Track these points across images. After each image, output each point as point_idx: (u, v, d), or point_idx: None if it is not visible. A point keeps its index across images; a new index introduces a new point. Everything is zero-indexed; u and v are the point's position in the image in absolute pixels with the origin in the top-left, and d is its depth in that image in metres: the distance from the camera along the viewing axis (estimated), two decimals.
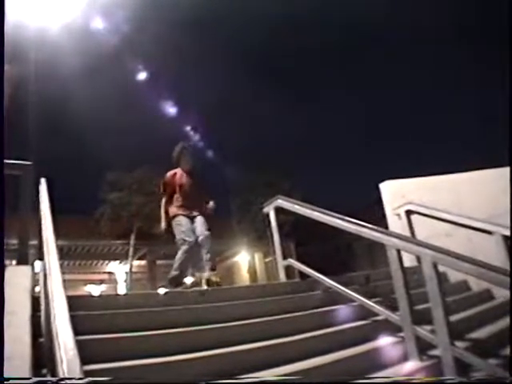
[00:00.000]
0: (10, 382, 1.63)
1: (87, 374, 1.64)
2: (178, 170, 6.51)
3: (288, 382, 2.85)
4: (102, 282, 23.49)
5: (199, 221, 6.22)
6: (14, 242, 4.90)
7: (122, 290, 19.95)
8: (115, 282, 21.87)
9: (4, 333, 1.96)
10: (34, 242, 4.31)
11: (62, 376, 1.58)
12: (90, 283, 23.33)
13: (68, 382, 1.52)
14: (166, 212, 6.47)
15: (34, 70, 12.64)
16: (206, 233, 6.09)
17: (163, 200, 6.53)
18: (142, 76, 29.70)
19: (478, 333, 4.47)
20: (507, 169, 5.78)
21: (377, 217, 7.40)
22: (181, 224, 6.17)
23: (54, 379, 1.68)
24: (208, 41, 30.76)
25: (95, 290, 22.44)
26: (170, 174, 6.52)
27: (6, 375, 1.84)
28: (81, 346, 1.78)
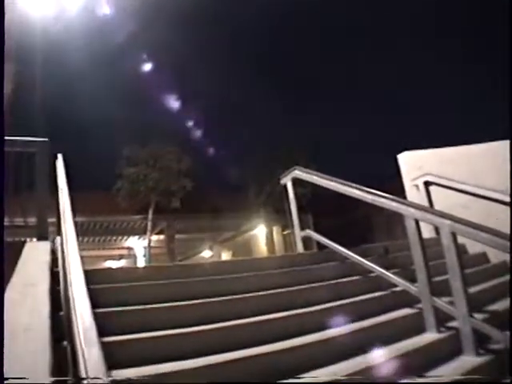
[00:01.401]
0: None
1: (105, 344, 1.65)
2: None
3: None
4: (121, 257, 23.74)
5: None
6: (34, 219, 4.96)
7: (141, 264, 20.12)
8: (134, 256, 22.08)
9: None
10: (54, 220, 4.34)
11: (79, 345, 1.60)
12: (110, 259, 23.59)
13: (89, 381, 1.53)
14: None
15: (43, 52, 12.68)
16: None
17: None
18: (148, 65, 29.72)
19: (497, 305, 4.44)
20: None
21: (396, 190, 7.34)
22: None
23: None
24: (211, 36, 30.62)
25: (115, 265, 22.70)
26: None
27: (23, 346, 1.86)
28: (99, 317, 1.79)
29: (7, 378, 1.64)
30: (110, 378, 1.54)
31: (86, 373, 1.52)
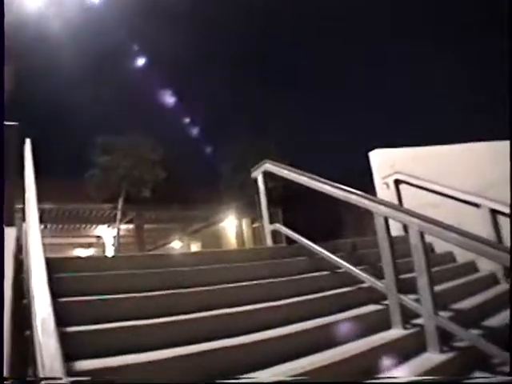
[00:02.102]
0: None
1: (64, 335, 1.61)
2: None
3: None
4: (90, 245, 23.53)
5: None
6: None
7: (109, 253, 19.96)
8: (103, 245, 21.89)
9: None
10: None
11: (36, 336, 1.56)
12: (79, 247, 23.36)
13: (48, 382, 1.49)
14: None
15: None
16: None
17: None
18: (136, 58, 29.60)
19: (462, 304, 4.51)
20: (497, 143, 5.77)
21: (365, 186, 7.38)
22: None
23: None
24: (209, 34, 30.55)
25: (83, 254, 22.49)
26: None
27: None
28: (60, 307, 1.75)
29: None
30: (71, 379, 1.50)
31: (43, 364, 1.48)
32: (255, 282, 4.18)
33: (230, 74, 33.31)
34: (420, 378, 3.08)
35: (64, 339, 1.70)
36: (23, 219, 3.57)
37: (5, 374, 1.64)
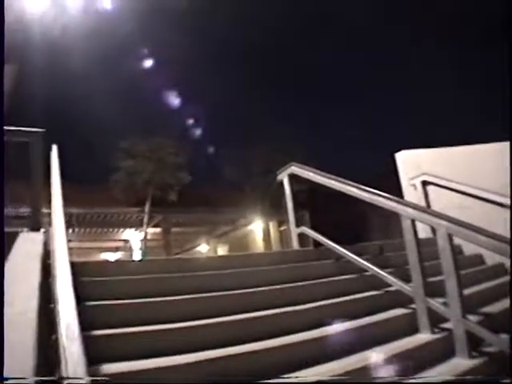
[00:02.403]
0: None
1: (90, 339, 1.62)
2: None
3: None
4: (117, 249, 23.73)
5: None
6: (28, 209, 4.93)
7: (137, 257, 20.11)
8: (130, 249, 22.06)
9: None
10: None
11: (60, 340, 1.56)
12: (106, 251, 23.58)
13: (70, 381, 1.49)
14: None
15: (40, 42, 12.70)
16: None
17: None
18: (148, 61, 29.77)
19: (491, 307, 4.42)
20: None
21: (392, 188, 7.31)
22: None
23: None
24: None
25: (111, 257, 22.69)
26: None
27: (9, 339, 1.82)
28: (86, 311, 1.76)
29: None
30: (90, 378, 1.50)
31: (66, 369, 1.48)
32: (282, 285, 4.16)
33: (256, 75, 33.43)
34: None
35: (88, 343, 1.70)
36: (50, 224, 3.61)
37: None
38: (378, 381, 3.00)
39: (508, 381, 3.02)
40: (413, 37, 30.06)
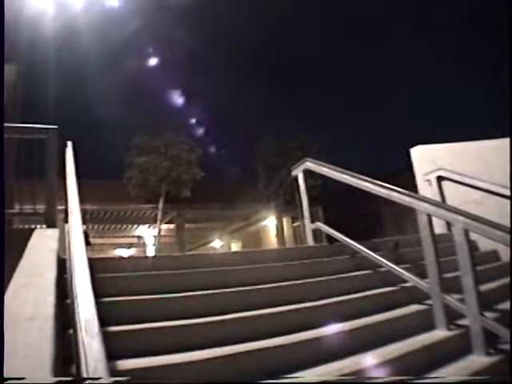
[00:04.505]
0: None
1: (106, 335, 1.62)
2: None
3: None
4: (131, 245, 23.88)
5: None
6: (43, 206, 4.96)
7: (151, 253, 20.21)
8: (144, 245, 22.17)
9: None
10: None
11: (80, 337, 1.57)
12: (120, 247, 23.73)
13: (90, 382, 1.50)
14: None
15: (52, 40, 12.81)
16: None
17: None
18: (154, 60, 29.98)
19: (507, 304, 4.38)
20: None
21: (407, 183, 7.27)
22: None
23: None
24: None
25: (125, 254, 22.83)
26: None
27: (25, 336, 1.83)
28: (104, 307, 1.77)
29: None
30: (112, 379, 1.51)
31: (87, 365, 1.49)
32: (296, 281, 4.15)
33: (267, 73, 33.42)
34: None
35: (106, 338, 1.71)
36: (65, 220, 3.63)
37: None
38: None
39: None
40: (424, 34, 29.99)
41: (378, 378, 2.96)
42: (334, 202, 18.32)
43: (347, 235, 4.99)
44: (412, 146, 7.37)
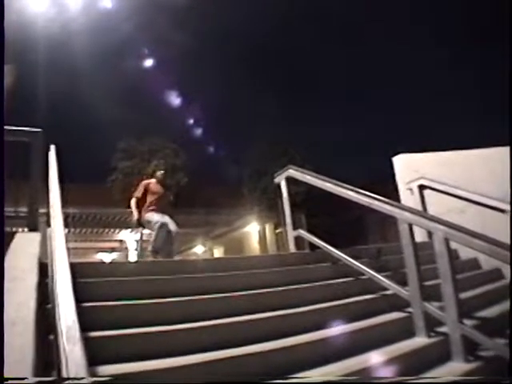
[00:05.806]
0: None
1: (87, 340, 1.62)
2: (153, 181, 8.43)
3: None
4: (113, 250, 23.68)
5: (169, 220, 8.22)
6: (25, 209, 4.91)
7: (132, 257, 20.06)
8: (126, 250, 22.01)
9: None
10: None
11: (61, 342, 1.56)
12: (102, 251, 23.54)
13: (71, 382, 1.49)
14: (140, 211, 8.17)
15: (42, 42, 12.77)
16: (176, 229, 8.23)
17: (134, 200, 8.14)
18: (147, 61, 29.89)
19: (487, 312, 4.43)
20: None
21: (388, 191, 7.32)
22: (153, 217, 8.06)
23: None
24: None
25: (106, 258, 22.65)
26: (145, 182, 8.34)
27: (7, 340, 1.82)
28: (84, 312, 1.76)
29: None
30: (93, 379, 1.51)
31: (67, 371, 1.49)
32: (277, 288, 4.16)
33: (249, 75, 33.47)
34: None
35: (87, 344, 1.71)
36: (47, 224, 3.61)
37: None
38: (374, 381, 3.01)
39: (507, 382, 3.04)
40: (412, 36, 30.23)
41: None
42: (318, 209, 18.37)
43: (333, 241, 5.01)
44: (394, 155, 7.43)
